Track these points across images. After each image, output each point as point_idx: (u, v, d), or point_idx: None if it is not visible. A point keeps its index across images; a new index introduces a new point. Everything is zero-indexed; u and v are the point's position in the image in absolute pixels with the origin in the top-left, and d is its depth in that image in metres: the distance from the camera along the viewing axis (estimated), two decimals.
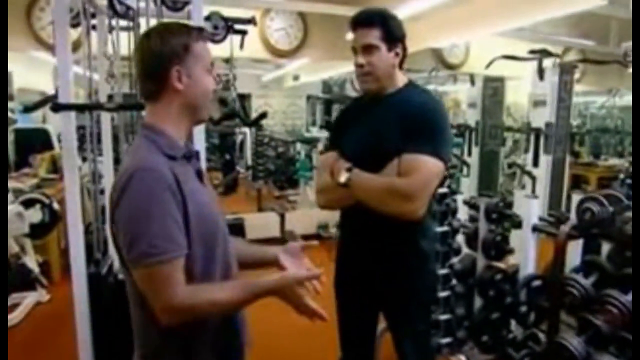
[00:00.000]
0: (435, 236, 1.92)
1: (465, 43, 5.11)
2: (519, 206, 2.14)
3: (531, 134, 3.65)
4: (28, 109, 2.62)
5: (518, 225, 2.01)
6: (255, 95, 8.29)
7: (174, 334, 0.87)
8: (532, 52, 3.57)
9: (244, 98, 6.66)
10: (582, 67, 4.90)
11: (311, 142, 5.95)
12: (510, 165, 5.53)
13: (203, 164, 1.32)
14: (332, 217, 4.36)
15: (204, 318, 0.89)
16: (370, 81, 1.28)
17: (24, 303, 2.90)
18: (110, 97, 2.07)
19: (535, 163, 3.68)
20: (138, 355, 0.94)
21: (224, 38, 2.53)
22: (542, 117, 3.54)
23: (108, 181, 2.18)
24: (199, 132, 1.67)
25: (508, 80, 4.61)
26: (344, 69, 6.28)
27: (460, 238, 2.25)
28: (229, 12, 2.68)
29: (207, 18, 2.43)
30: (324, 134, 6.46)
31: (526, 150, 5.12)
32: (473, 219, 2.20)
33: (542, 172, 3.61)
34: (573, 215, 1.68)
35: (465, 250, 2.21)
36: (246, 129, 6.50)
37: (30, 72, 4.72)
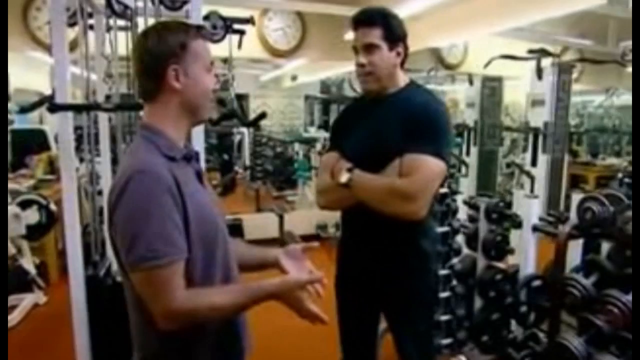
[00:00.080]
0: (437, 237, 1.91)
1: (463, 43, 5.11)
2: (519, 206, 2.14)
3: (530, 133, 3.66)
4: (24, 110, 2.60)
5: (518, 225, 2.00)
6: (253, 96, 8.28)
7: (173, 338, 0.85)
8: (530, 51, 3.57)
9: (241, 98, 6.67)
10: (580, 66, 4.90)
11: (309, 142, 5.94)
12: (508, 165, 5.54)
13: (202, 165, 1.30)
14: (331, 217, 4.35)
15: (204, 323, 0.88)
16: (372, 81, 1.28)
17: (21, 305, 2.88)
18: (108, 98, 2.05)
19: (534, 162, 3.68)
20: (137, 358, 0.93)
21: (223, 38, 2.51)
22: (540, 117, 3.54)
23: (106, 182, 2.17)
24: (198, 132, 1.66)
25: (506, 80, 4.61)
26: (342, 69, 6.28)
27: (459, 238, 2.25)
28: (226, 11, 2.66)
29: (206, 17, 2.42)
30: (322, 134, 6.46)
31: (524, 150, 5.14)
32: (472, 219, 2.20)
33: (541, 171, 3.61)
34: (573, 215, 1.67)
35: (465, 250, 2.21)
36: (244, 129, 6.49)
37: (27, 73, 4.69)
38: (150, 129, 0.89)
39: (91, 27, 2.03)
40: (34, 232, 2.88)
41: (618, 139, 6.53)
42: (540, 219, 1.96)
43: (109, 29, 2.02)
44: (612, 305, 1.48)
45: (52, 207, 2.90)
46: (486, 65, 3.82)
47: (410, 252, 1.34)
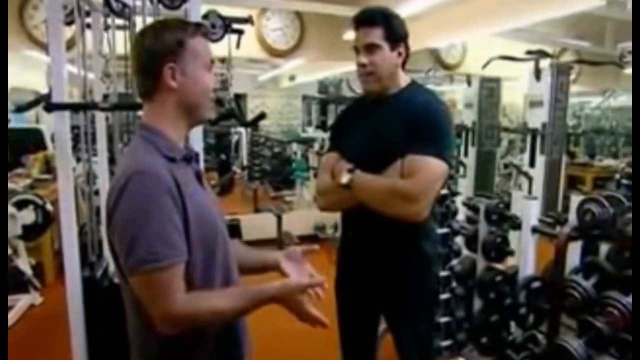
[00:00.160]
0: (438, 239, 1.90)
1: (462, 43, 5.12)
2: (517, 207, 2.14)
3: (528, 134, 3.66)
4: (21, 109, 2.58)
5: (517, 226, 2.00)
6: (251, 96, 8.27)
7: (172, 342, 0.84)
8: (529, 52, 3.58)
9: (239, 98, 6.65)
10: (578, 67, 4.92)
11: (307, 142, 5.94)
12: (506, 166, 5.55)
13: (201, 165, 1.29)
14: (329, 218, 4.34)
15: (204, 327, 0.86)
16: (373, 81, 1.27)
17: (17, 306, 2.85)
18: (105, 97, 2.03)
19: (532, 163, 3.69)
20: None
21: (222, 37, 2.50)
22: (538, 118, 3.55)
23: (103, 182, 2.15)
24: (197, 132, 1.64)
25: (504, 81, 4.62)
26: (340, 69, 6.28)
27: (459, 240, 2.24)
28: (224, 11, 2.65)
29: (205, 17, 2.40)
30: (320, 134, 6.45)
31: (522, 151, 5.15)
32: (471, 221, 2.19)
33: (539, 172, 3.62)
34: (572, 216, 1.67)
35: (465, 252, 2.20)
36: (242, 129, 6.47)
37: (23, 72, 4.66)
38: (149, 129, 0.87)
39: (88, 25, 2.02)
40: (29, 233, 2.85)
41: (615, 140, 6.56)
42: (539, 220, 1.95)
43: (106, 27, 2.00)
44: (612, 307, 1.48)
45: (49, 207, 2.88)
46: (485, 65, 3.83)
47: (411, 253, 1.33)
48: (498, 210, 2.01)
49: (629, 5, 3.00)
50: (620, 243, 1.55)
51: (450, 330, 2.10)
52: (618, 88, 6.16)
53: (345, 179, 1.23)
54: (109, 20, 1.99)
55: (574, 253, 1.85)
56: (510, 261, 2.12)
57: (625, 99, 6.49)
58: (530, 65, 3.54)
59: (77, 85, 2.01)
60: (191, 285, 0.82)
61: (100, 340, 1.64)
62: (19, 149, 4.04)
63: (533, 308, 1.88)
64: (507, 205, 2.15)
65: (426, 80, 4.43)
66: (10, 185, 3.16)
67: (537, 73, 3.48)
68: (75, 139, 2.06)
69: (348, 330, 1.46)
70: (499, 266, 2.06)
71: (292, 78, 7.52)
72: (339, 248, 1.46)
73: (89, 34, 2.01)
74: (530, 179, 3.69)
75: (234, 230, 4.08)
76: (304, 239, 4.31)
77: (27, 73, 4.72)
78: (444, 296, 2.07)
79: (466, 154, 4.39)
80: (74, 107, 1.69)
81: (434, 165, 1.17)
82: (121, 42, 2.03)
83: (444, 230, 2.10)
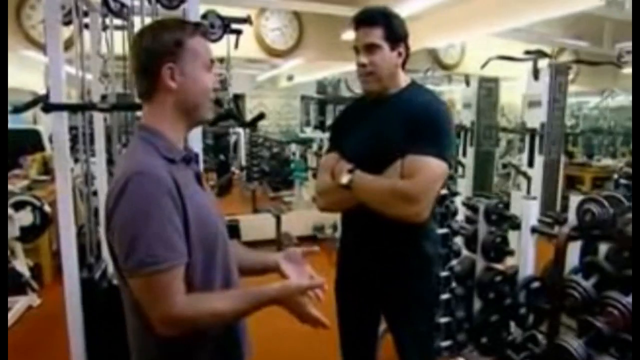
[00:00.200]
0: (439, 239, 1.90)
1: (460, 43, 5.12)
2: (516, 207, 2.14)
3: (526, 134, 3.67)
4: (18, 110, 2.56)
5: (516, 226, 2.00)
6: (250, 96, 8.26)
7: (172, 345, 0.83)
8: (527, 52, 3.59)
9: (238, 98, 6.64)
10: (576, 67, 4.93)
11: (306, 142, 5.93)
12: (504, 166, 5.56)
13: (200, 166, 1.28)
14: (328, 218, 4.34)
15: (204, 329, 0.86)
16: (373, 81, 1.26)
17: (14, 308, 2.84)
18: (103, 97, 2.02)
19: (531, 163, 3.70)
20: None
21: (221, 37, 2.49)
22: (537, 118, 3.56)
23: (101, 182, 2.14)
24: (196, 133, 1.63)
25: (502, 81, 4.63)
26: (338, 69, 6.28)
27: (458, 240, 2.24)
28: (223, 11, 2.64)
29: (204, 17, 2.40)
30: (319, 134, 6.45)
31: (520, 151, 5.16)
32: (470, 221, 2.19)
33: (537, 172, 3.62)
34: (572, 216, 1.67)
35: (464, 252, 2.20)
36: (240, 130, 6.46)
37: (21, 72, 4.64)
38: (149, 130, 0.87)
39: (86, 26, 2.01)
40: (27, 234, 2.84)
41: (613, 140, 6.57)
42: (539, 220, 1.95)
43: (105, 27, 1.99)
44: (612, 307, 1.47)
45: (46, 208, 2.86)
46: (483, 65, 3.83)
47: (412, 254, 1.33)
48: (497, 211, 2.01)
49: (628, 5, 3.01)
50: (620, 243, 1.54)
51: (450, 331, 2.10)
52: (616, 88, 6.18)
53: (345, 179, 1.22)
54: (107, 21, 1.98)
55: (573, 253, 1.85)
56: (510, 261, 2.12)
57: (623, 99, 6.51)
58: (529, 65, 3.55)
59: (74, 85, 2.00)
60: (191, 287, 0.82)
61: (99, 342, 1.63)
62: (16, 150, 4.02)
63: (533, 308, 1.88)
64: (506, 205, 2.15)
65: (424, 80, 4.43)
66: (8, 187, 3.14)
67: (536, 73, 3.49)
68: (73, 140, 2.05)
69: (348, 330, 1.45)
70: (499, 266, 2.06)
71: (290, 78, 7.51)
72: (339, 248, 1.45)
73: (86, 34, 2.00)
74: (529, 179, 3.70)
75: (233, 230, 4.07)
76: (303, 240, 4.31)
77: (25, 73, 4.70)
78: (444, 296, 2.07)
79: (465, 154, 4.39)
80: (72, 108, 1.68)
81: (434, 166, 1.17)
82: (119, 43, 2.02)
83: (444, 230, 2.10)
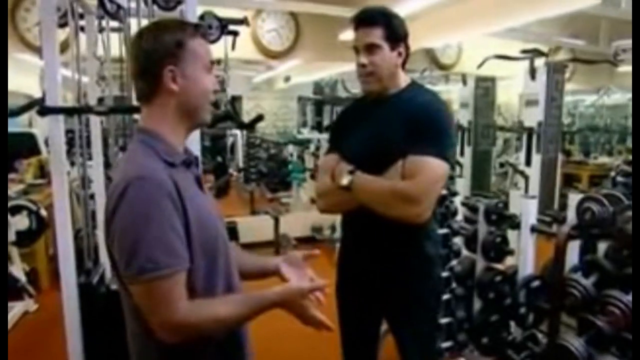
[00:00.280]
0: (440, 240, 1.90)
1: (457, 43, 5.13)
2: (515, 206, 2.14)
3: (524, 133, 3.67)
4: (14, 113, 2.54)
5: (515, 226, 2.00)
6: (246, 97, 8.24)
7: (173, 349, 0.82)
8: (523, 51, 3.59)
9: (235, 100, 6.63)
10: (572, 66, 4.95)
11: (303, 143, 5.92)
12: (502, 165, 5.57)
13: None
14: (326, 219, 4.33)
15: (206, 335, 0.84)
16: (373, 82, 1.26)
17: (11, 313, 2.81)
18: (100, 100, 2.01)
19: (528, 162, 3.70)
20: None
21: (218, 38, 2.48)
22: (534, 117, 3.56)
23: (98, 186, 2.12)
24: (194, 135, 1.62)
25: (499, 80, 4.64)
26: (335, 70, 6.27)
27: (457, 240, 2.24)
28: (219, 12, 2.63)
29: (201, 18, 2.38)
30: (316, 135, 6.43)
31: (517, 150, 5.17)
32: (469, 220, 2.19)
33: (535, 171, 3.63)
34: (571, 215, 1.67)
35: (464, 252, 2.20)
36: (237, 131, 6.45)
37: (16, 75, 4.60)
38: (149, 133, 0.85)
39: (82, 28, 1.99)
40: (23, 239, 2.82)
41: (609, 137, 6.60)
42: (538, 219, 1.95)
43: (101, 30, 1.97)
44: (612, 305, 1.47)
45: (43, 212, 2.84)
46: (480, 65, 3.84)
47: (413, 255, 1.32)
48: (497, 210, 2.01)
49: (624, 4, 3.02)
50: (620, 241, 1.54)
51: (451, 331, 2.10)
52: (612, 86, 6.21)
53: (345, 180, 1.21)
54: (103, 23, 1.96)
55: (571, 252, 1.85)
56: (509, 261, 2.11)
57: (619, 97, 6.54)
58: (525, 64, 3.56)
59: (70, 88, 1.99)
60: (193, 292, 0.81)
61: (97, 349, 1.62)
62: (12, 154, 3.99)
63: (533, 307, 1.88)
64: (505, 205, 2.15)
65: (421, 80, 4.43)
66: None
67: (532, 72, 3.49)
68: (70, 143, 2.03)
69: (349, 331, 1.44)
70: (498, 266, 2.06)
71: (287, 79, 7.49)
72: (340, 249, 1.45)
73: (82, 36, 1.98)
74: (526, 178, 3.70)
75: (231, 232, 4.04)
76: (301, 241, 4.30)
77: (20, 77, 4.66)
78: (444, 297, 2.07)
79: (462, 153, 4.39)
80: (68, 111, 1.67)
81: (435, 166, 1.16)
82: (115, 45, 2.01)
83: (444, 230, 2.10)
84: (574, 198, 1.69)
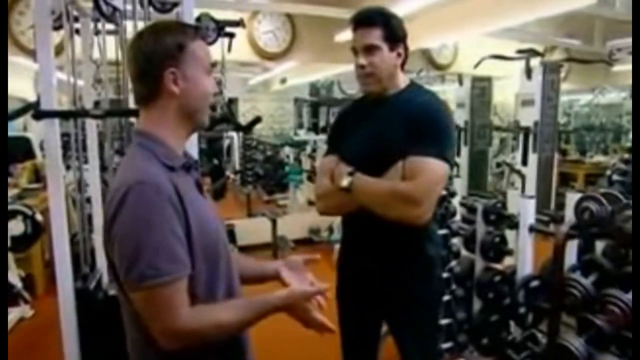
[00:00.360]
0: (441, 241, 1.89)
1: (454, 43, 5.15)
2: (513, 206, 2.14)
3: (520, 133, 3.69)
4: (8, 117, 2.52)
5: (513, 225, 2.00)
6: (243, 99, 8.22)
7: (174, 356, 0.80)
8: (519, 51, 3.61)
9: (231, 102, 6.61)
10: (567, 66, 4.98)
11: (300, 145, 5.91)
12: (498, 165, 5.58)
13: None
14: (324, 221, 4.32)
15: (208, 341, 0.83)
16: (372, 83, 1.25)
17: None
18: (97, 103, 1.99)
19: (525, 162, 3.72)
20: None
21: (215, 40, 2.48)
22: (530, 116, 3.58)
23: (94, 189, 2.10)
24: (192, 139, 1.61)
25: (495, 80, 4.66)
26: (331, 71, 6.27)
27: (456, 240, 2.23)
28: (215, 14, 2.63)
29: (197, 20, 2.37)
30: (312, 136, 6.43)
31: (513, 149, 5.19)
32: (467, 221, 2.19)
33: (532, 170, 3.65)
34: (569, 214, 1.67)
35: (463, 252, 2.20)
36: (233, 133, 6.43)
37: (10, 79, 4.57)
38: (148, 136, 0.84)
39: (77, 31, 1.98)
40: (19, 244, 2.78)
41: (604, 136, 6.65)
42: (536, 219, 1.95)
43: (97, 32, 1.96)
44: (612, 304, 1.48)
45: (38, 217, 2.81)
46: (476, 65, 3.85)
47: (415, 256, 1.32)
48: (496, 210, 2.01)
49: (618, 4, 3.04)
50: (619, 240, 1.55)
51: (451, 332, 2.09)
52: (607, 85, 6.25)
53: (345, 182, 1.21)
54: (99, 25, 1.95)
55: (569, 251, 1.85)
56: (507, 261, 2.11)
57: (613, 96, 6.59)
58: (521, 64, 3.57)
59: (65, 92, 1.97)
60: (194, 298, 0.80)
61: (94, 355, 1.59)
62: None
63: (532, 307, 1.88)
64: (503, 205, 2.15)
65: (417, 80, 4.43)
66: None
67: (528, 72, 3.51)
68: (65, 147, 2.01)
69: (349, 333, 1.43)
70: (497, 266, 2.06)
71: (283, 81, 7.49)
72: (340, 250, 1.44)
73: (77, 39, 1.96)
74: (523, 177, 3.72)
75: (228, 235, 4.01)
76: (298, 242, 4.29)
77: (13, 80, 4.62)
78: (445, 298, 2.06)
79: (459, 153, 4.41)
80: (64, 115, 1.65)
81: (436, 167, 1.16)
82: (111, 47, 1.99)
83: (444, 231, 2.09)
84: (572, 197, 1.69)
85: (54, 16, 1.63)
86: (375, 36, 1.21)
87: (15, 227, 2.73)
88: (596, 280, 1.59)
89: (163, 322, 0.76)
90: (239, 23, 2.61)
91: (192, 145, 1.58)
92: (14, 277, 2.84)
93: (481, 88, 4.42)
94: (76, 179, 2.05)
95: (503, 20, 3.60)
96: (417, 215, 1.16)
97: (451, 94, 5.75)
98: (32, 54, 3.38)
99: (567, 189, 4.01)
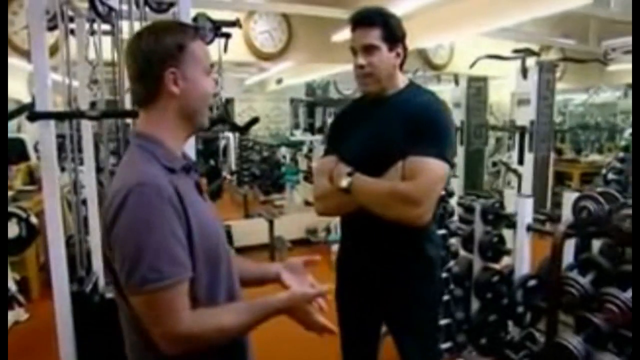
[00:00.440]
0: (440, 241, 1.89)
1: (450, 43, 5.16)
2: (510, 205, 2.14)
3: (516, 132, 3.70)
4: None
5: (511, 225, 2.00)
6: (239, 100, 8.20)
7: (174, 358, 0.79)
8: (515, 51, 3.63)
9: (227, 102, 6.60)
10: (562, 65, 5.02)
11: (296, 145, 5.91)
12: (494, 164, 5.60)
13: None
14: (321, 221, 4.31)
15: (209, 345, 0.83)
16: (371, 83, 1.25)
17: None
18: (93, 104, 1.97)
19: (521, 161, 3.73)
20: None
21: (212, 41, 2.46)
22: (526, 116, 3.59)
23: (90, 191, 2.08)
24: (190, 140, 1.59)
25: (490, 80, 4.67)
26: (327, 71, 6.27)
27: (453, 240, 2.24)
28: (211, 14, 2.61)
29: (194, 20, 2.36)
30: (308, 136, 6.43)
31: (509, 149, 5.21)
32: (465, 220, 2.19)
33: (528, 169, 3.66)
34: (567, 213, 1.68)
35: (461, 252, 2.20)
36: (229, 134, 6.42)
37: None
38: (147, 138, 0.83)
39: (72, 31, 1.96)
40: (13, 247, 2.75)
41: (599, 135, 6.70)
42: (533, 218, 1.96)
43: (92, 33, 1.94)
44: (610, 303, 1.48)
45: (33, 219, 2.78)
46: (472, 65, 3.86)
47: (415, 257, 1.31)
48: (494, 210, 2.01)
49: (613, 4, 3.06)
50: (617, 239, 1.55)
51: (449, 332, 2.09)
52: (602, 84, 6.30)
53: (344, 182, 1.20)
54: (95, 26, 1.93)
55: (566, 250, 1.86)
56: (505, 260, 2.12)
57: (608, 95, 6.64)
58: (517, 63, 3.59)
59: (60, 92, 1.95)
60: (195, 301, 0.79)
61: (91, 359, 1.58)
62: None
63: (530, 306, 1.88)
64: (501, 204, 2.15)
65: (414, 80, 4.44)
66: None
67: (524, 71, 3.53)
68: (60, 148, 1.99)
69: (349, 333, 1.42)
70: (495, 266, 2.06)
71: (279, 81, 7.48)
72: (339, 250, 1.43)
73: (72, 40, 1.94)
74: (519, 177, 3.73)
75: (226, 236, 4.01)
76: (295, 243, 4.28)
77: (8, 81, 4.59)
78: (444, 298, 2.06)
79: (455, 153, 4.42)
80: (59, 116, 1.63)
81: (436, 167, 1.15)
82: (106, 48, 1.97)
83: (442, 231, 2.09)
84: (568, 196, 1.70)
85: (48, 16, 1.61)
86: (374, 36, 1.20)
87: (10, 230, 2.70)
88: (594, 279, 1.59)
89: (164, 326, 0.75)
90: (235, 23, 2.60)
91: (190, 147, 1.57)
92: (9, 280, 2.80)
93: (477, 88, 4.43)
94: (71, 181, 2.03)
95: (499, 20, 3.61)
96: (417, 216, 1.15)
97: (447, 93, 5.76)
98: (26, 54, 3.35)
99: (563, 188, 4.03)
